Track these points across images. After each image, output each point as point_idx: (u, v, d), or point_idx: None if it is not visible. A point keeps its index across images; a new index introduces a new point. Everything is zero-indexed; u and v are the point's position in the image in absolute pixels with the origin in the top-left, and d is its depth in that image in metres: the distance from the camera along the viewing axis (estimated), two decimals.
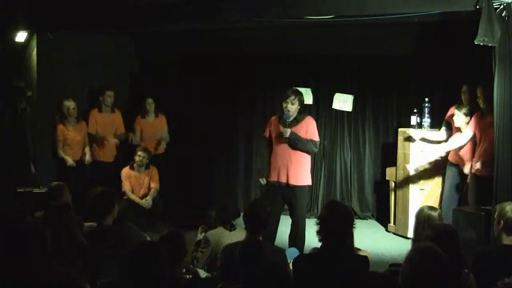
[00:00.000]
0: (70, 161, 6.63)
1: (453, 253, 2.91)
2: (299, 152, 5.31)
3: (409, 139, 6.39)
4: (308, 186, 5.50)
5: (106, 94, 6.94)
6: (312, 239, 3.53)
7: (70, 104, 6.63)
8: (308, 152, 5.38)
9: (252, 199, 4.84)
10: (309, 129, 5.33)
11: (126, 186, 6.54)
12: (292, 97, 5.27)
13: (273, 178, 5.38)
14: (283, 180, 5.30)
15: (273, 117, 5.59)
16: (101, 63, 7.32)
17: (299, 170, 5.30)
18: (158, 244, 2.98)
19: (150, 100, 7.15)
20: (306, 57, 7.53)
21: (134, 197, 6.55)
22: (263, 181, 5.52)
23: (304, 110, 5.48)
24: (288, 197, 5.35)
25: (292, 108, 5.27)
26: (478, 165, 5.36)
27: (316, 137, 5.39)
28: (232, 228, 4.49)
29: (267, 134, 5.59)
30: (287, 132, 5.21)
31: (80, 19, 6.13)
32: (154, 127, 7.17)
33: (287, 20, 5.85)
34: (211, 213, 4.85)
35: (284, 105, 5.29)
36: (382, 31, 6.69)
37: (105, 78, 7.39)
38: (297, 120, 5.32)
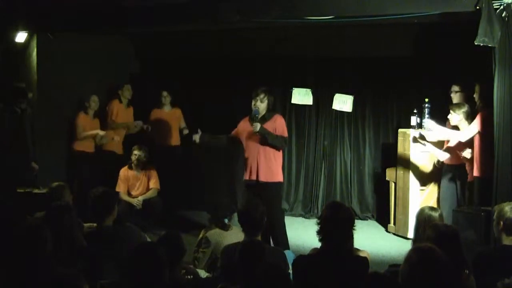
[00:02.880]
0: (100, 132, 6.96)
1: (455, 254, 2.91)
2: (268, 149, 5.33)
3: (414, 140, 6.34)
4: (279, 182, 5.46)
5: (125, 88, 7.30)
6: (312, 239, 3.52)
7: (95, 98, 7.03)
8: (277, 149, 5.36)
9: (245, 200, 4.85)
10: (277, 125, 5.34)
11: (119, 188, 6.58)
12: (262, 95, 5.35)
13: (246, 176, 5.47)
14: (253, 177, 5.36)
15: (246, 117, 5.60)
16: (101, 63, 7.34)
17: (269, 167, 5.32)
18: (157, 244, 2.98)
19: (165, 93, 7.40)
20: (306, 57, 7.53)
21: (126, 197, 6.57)
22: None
23: (274, 109, 5.51)
24: (260, 194, 5.30)
25: (261, 106, 5.35)
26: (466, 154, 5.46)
27: (284, 134, 5.41)
28: (226, 228, 4.49)
29: (234, 132, 5.65)
30: (257, 126, 5.25)
31: (80, 20, 6.14)
32: (169, 118, 7.40)
33: (287, 20, 5.85)
34: (208, 215, 4.87)
35: (253, 102, 5.38)
36: (382, 31, 6.70)
37: (105, 78, 7.40)
38: (265, 118, 5.36)
